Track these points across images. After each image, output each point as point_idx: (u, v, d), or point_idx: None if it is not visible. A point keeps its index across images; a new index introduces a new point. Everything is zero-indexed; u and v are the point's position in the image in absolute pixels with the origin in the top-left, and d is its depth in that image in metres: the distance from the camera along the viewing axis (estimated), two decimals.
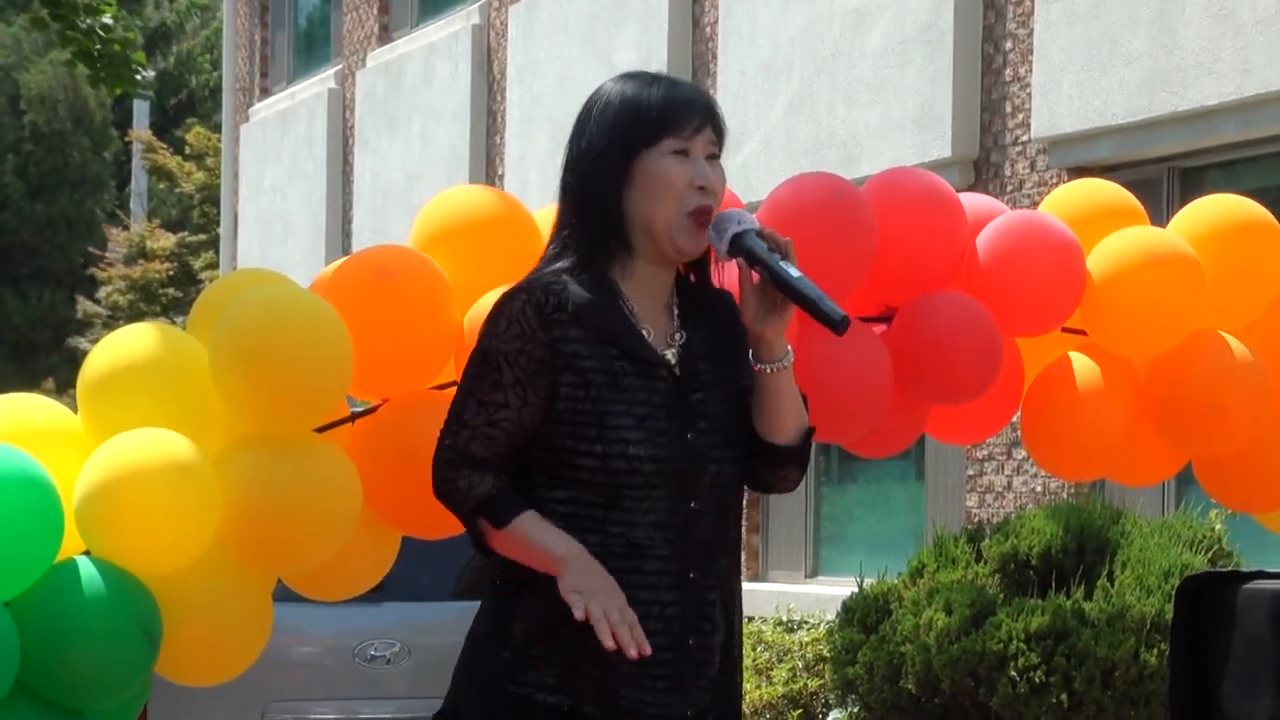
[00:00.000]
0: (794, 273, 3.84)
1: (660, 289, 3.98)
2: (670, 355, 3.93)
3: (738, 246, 3.88)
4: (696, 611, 3.93)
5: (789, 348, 3.94)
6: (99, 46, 11.63)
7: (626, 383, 3.87)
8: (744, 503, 4.10)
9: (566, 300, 3.86)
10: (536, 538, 3.82)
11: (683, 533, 3.90)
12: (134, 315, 25.26)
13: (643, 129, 3.91)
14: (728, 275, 4.04)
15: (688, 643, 3.91)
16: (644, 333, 3.92)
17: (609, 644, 3.72)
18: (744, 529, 4.21)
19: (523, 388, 3.86)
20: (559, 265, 3.91)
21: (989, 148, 12.00)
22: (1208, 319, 4.96)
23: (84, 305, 28.03)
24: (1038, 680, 8.04)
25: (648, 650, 3.75)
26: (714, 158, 3.96)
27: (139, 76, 11.97)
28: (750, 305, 3.91)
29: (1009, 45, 11.85)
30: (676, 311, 4.00)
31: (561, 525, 3.86)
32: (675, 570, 3.89)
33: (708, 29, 14.51)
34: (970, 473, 11.96)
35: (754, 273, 3.88)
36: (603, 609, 3.74)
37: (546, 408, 3.84)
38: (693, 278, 4.04)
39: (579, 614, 3.72)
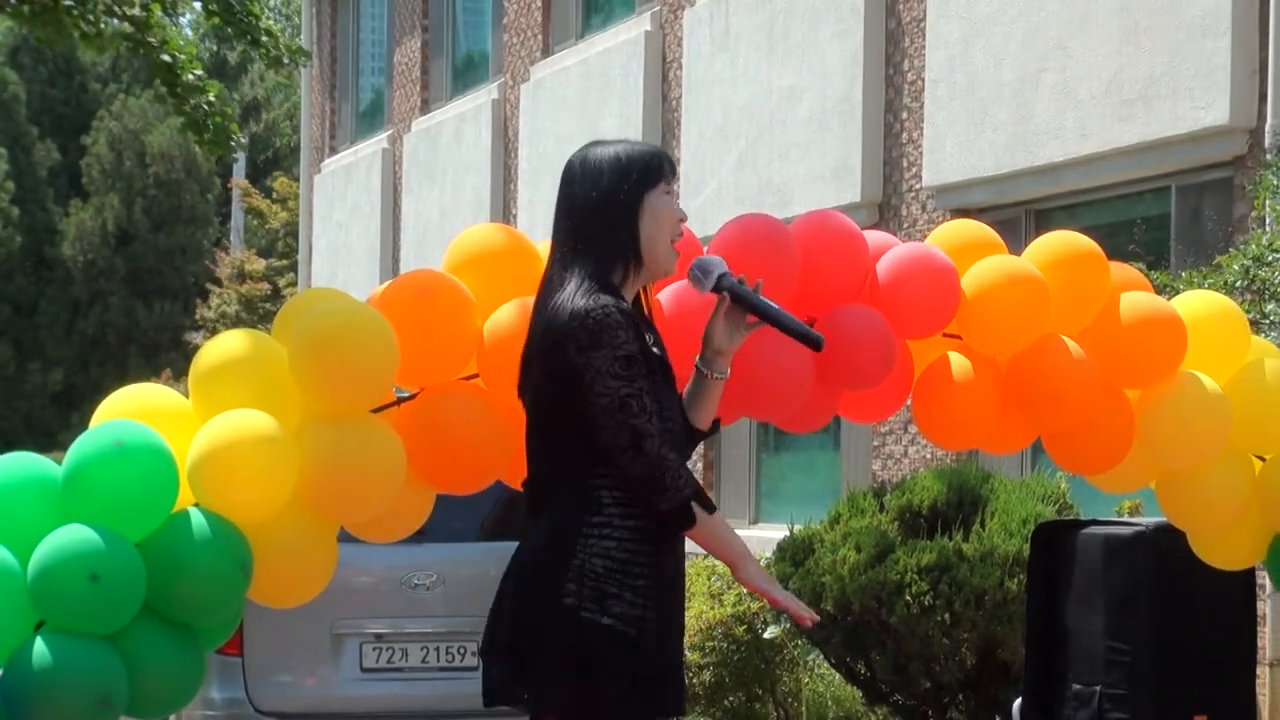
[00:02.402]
0: (776, 306, 3.90)
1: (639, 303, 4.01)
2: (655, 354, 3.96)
3: (721, 285, 3.93)
4: (681, 541, 3.97)
5: (727, 369, 4.03)
6: (205, 118, 11.60)
7: (656, 376, 3.86)
8: None
9: (629, 314, 3.85)
10: (727, 533, 3.87)
11: None
12: (238, 323, 25.15)
13: (649, 173, 3.95)
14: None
15: (682, 566, 3.98)
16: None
17: (809, 622, 3.81)
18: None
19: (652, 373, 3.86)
20: (587, 285, 3.85)
21: (889, 194, 12.00)
22: (1052, 326, 4.97)
23: (201, 309, 27.88)
24: (926, 603, 8.03)
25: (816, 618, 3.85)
26: None
27: (233, 143, 11.94)
28: (719, 329, 3.96)
29: (905, 115, 11.86)
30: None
31: (624, 496, 3.81)
32: (681, 511, 3.88)
33: (674, 102, 14.50)
34: (875, 443, 11.97)
35: (728, 301, 3.93)
36: (784, 596, 3.84)
37: None
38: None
39: (784, 603, 3.81)
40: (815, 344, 3.89)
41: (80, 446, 4.15)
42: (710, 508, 3.82)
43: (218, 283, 27.32)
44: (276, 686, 7.61)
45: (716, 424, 4.12)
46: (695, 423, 4.03)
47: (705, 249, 4.68)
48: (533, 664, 3.80)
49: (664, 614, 3.84)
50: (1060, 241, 5.12)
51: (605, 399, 3.76)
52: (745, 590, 9.49)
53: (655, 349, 3.94)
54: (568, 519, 3.83)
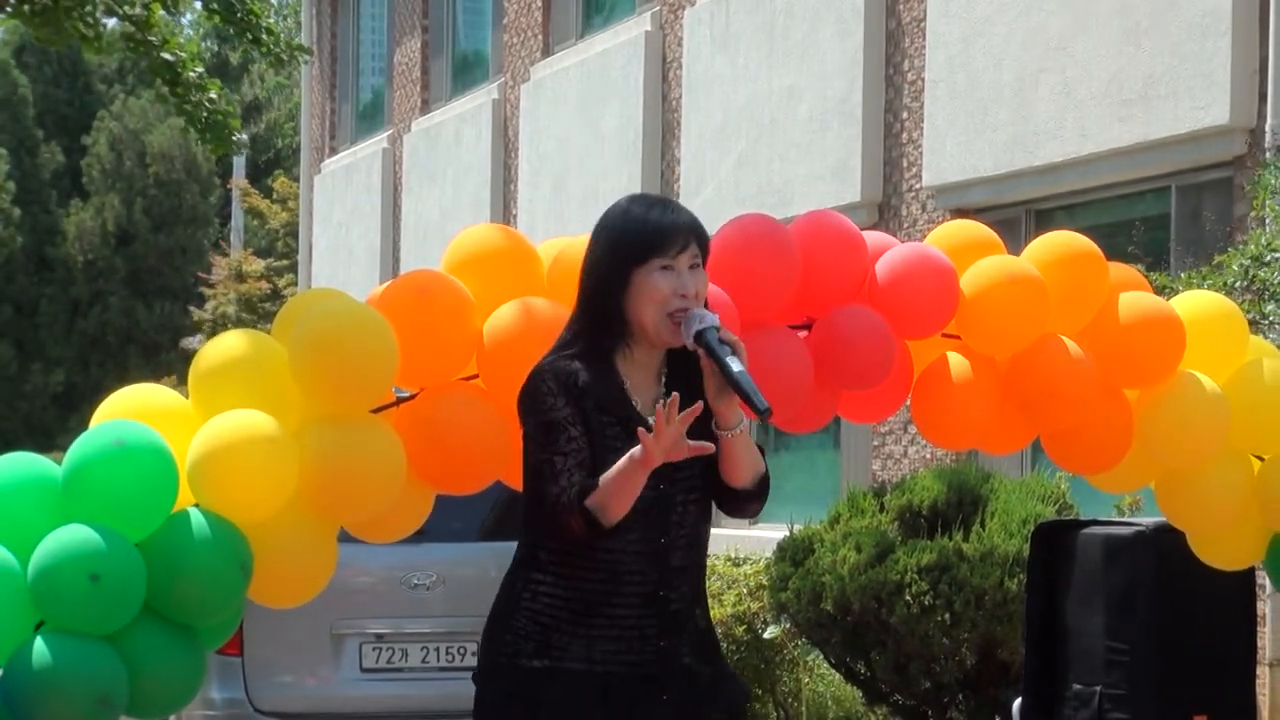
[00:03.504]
0: (735, 367, 3.79)
1: (651, 363, 3.94)
2: (653, 419, 3.78)
3: (699, 340, 3.85)
4: (669, 621, 3.88)
5: (743, 418, 3.86)
6: (206, 116, 11.59)
7: (616, 444, 3.79)
8: (709, 533, 4.02)
9: (576, 378, 3.83)
10: (617, 472, 3.73)
11: (657, 560, 3.86)
12: (238, 323, 25.15)
13: (638, 249, 3.87)
14: None
15: (659, 645, 3.87)
16: (634, 402, 3.88)
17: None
18: None
19: (583, 439, 3.81)
20: (570, 351, 3.88)
21: (889, 194, 12.01)
22: (1051, 326, 4.97)
23: (198, 314, 27.90)
24: (926, 603, 8.03)
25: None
26: (696, 267, 3.91)
27: (235, 140, 11.93)
28: (710, 386, 3.85)
29: (905, 115, 11.86)
30: (664, 379, 3.95)
31: (558, 558, 3.84)
32: (649, 590, 3.85)
33: (674, 102, 14.50)
34: (875, 443, 11.98)
35: (709, 361, 3.85)
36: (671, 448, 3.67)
37: None
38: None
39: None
40: (760, 414, 3.78)
41: (80, 446, 4.15)
42: (592, 489, 3.74)
43: (209, 287, 27.33)
44: (276, 687, 7.61)
45: (762, 481, 3.96)
46: (726, 480, 3.92)
47: None
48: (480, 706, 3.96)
49: (599, 690, 3.81)
50: (1059, 241, 5.12)
51: (529, 466, 3.87)
52: (745, 590, 9.50)
53: (621, 416, 3.86)
54: (514, 572, 3.94)
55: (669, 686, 3.88)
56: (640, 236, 3.87)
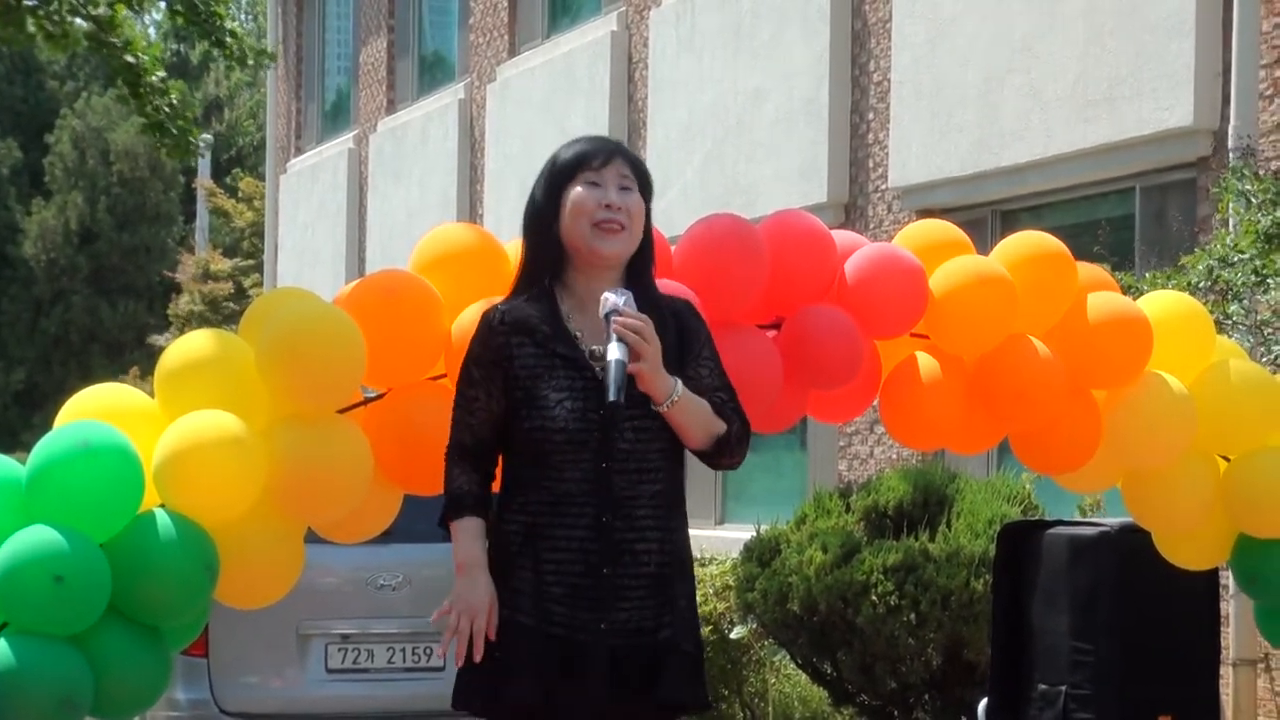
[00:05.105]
0: (613, 355, 3.84)
1: (597, 296, 3.98)
2: (600, 350, 3.93)
3: (607, 323, 3.90)
4: (613, 548, 3.92)
5: (673, 388, 3.91)
6: (165, 122, 11.53)
7: (555, 373, 3.92)
8: (674, 464, 4.03)
9: (510, 316, 3.97)
10: (459, 539, 3.98)
11: (600, 486, 3.91)
12: (202, 322, 25.03)
13: (565, 171, 4.02)
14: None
15: (603, 572, 3.91)
16: (576, 335, 3.97)
17: (459, 651, 3.91)
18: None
19: (487, 382, 3.96)
20: (515, 293, 4.06)
21: (856, 194, 12.01)
22: (1019, 326, 4.97)
23: (172, 308, 27.71)
24: (893, 603, 8.03)
25: (476, 658, 3.89)
26: (627, 189, 4.01)
27: (194, 147, 11.90)
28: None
29: (871, 116, 11.87)
30: None
31: (514, 484, 3.97)
32: (592, 515, 3.91)
33: (640, 102, 14.49)
34: (841, 444, 11.98)
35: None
36: (459, 620, 3.92)
37: (506, 395, 3.94)
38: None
39: (451, 622, 3.93)
40: (607, 403, 3.82)
41: (45, 446, 4.13)
42: (452, 515, 4.00)
43: (178, 289, 27.20)
44: (242, 687, 7.57)
45: (719, 441, 3.99)
46: (683, 443, 4.00)
47: (672, 249, 4.68)
48: None
49: (543, 616, 3.90)
50: (1028, 241, 5.13)
51: None
52: (711, 591, 9.49)
53: (558, 349, 3.94)
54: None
55: (610, 612, 3.91)
56: (566, 160, 4.03)
